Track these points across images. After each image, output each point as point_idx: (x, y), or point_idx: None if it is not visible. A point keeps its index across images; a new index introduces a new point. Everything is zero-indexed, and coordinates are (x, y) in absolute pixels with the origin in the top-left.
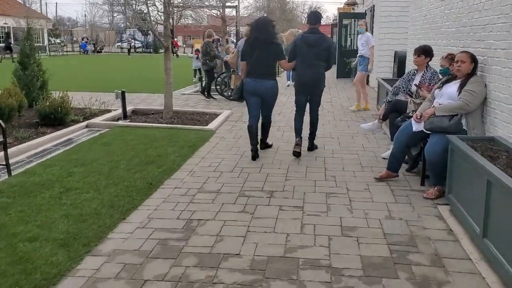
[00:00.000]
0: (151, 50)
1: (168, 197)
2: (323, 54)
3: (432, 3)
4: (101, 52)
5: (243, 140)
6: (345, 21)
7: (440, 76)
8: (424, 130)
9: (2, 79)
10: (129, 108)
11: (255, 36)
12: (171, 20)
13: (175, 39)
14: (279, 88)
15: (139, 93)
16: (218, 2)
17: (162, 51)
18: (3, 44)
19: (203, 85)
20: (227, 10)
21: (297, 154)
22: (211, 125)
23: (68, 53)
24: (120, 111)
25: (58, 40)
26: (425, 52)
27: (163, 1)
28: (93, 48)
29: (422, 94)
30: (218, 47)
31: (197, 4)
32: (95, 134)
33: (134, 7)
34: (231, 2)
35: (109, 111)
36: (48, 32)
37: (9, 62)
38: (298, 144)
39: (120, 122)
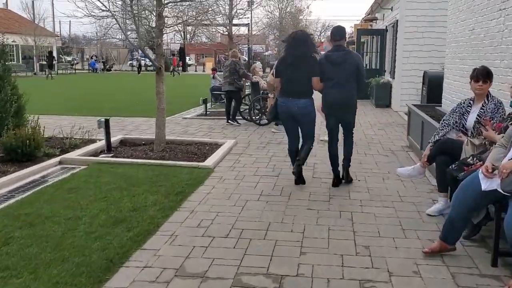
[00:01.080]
0: None
1: (130, 286)
2: (352, 73)
3: (485, 13)
4: (110, 70)
5: (246, 183)
6: (363, 38)
7: (509, 109)
8: (500, 190)
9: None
10: (117, 137)
11: (291, 52)
12: (181, 36)
13: (175, 57)
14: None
15: (135, 117)
16: (225, 20)
17: (176, 69)
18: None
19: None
20: (235, 27)
21: (336, 184)
22: (209, 161)
23: (77, 71)
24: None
25: (69, 58)
26: (490, 76)
27: (154, 13)
28: (102, 66)
29: (487, 134)
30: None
31: (206, 22)
32: (65, 175)
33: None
34: (239, 19)
35: (93, 141)
36: (58, 50)
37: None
38: (337, 176)
39: (101, 157)
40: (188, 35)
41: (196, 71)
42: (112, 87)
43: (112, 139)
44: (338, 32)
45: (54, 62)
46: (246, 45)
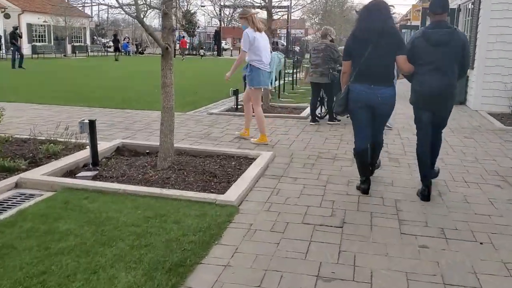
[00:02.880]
0: (195, 52)
1: None
2: (456, 56)
3: None
4: (143, 53)
5: (290, 242)
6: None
7: None
8: None
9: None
10: (114, 143)
11: (367, 26)
12: (217, 19)
13: (184, 38)
14: None
15: (150, 110)
16: None
17: (208, 53)
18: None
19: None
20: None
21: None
22: (233, 192)
23: (110, 54)
24: (100, 147)
25: (104, 40)
26: None
27: None
28: (135, 49)
29: None
30: None
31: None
32: (8, 213)
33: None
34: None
35: (81, 146)
36: (92, 32)
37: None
38: (427, 186)
39: (77, 178)
40: (225, 19)
41: (231, 55)
42: (137, 71)
43: (107, 145)
44: (439, 3)
45: (120, 45)
46: (285, 29)
